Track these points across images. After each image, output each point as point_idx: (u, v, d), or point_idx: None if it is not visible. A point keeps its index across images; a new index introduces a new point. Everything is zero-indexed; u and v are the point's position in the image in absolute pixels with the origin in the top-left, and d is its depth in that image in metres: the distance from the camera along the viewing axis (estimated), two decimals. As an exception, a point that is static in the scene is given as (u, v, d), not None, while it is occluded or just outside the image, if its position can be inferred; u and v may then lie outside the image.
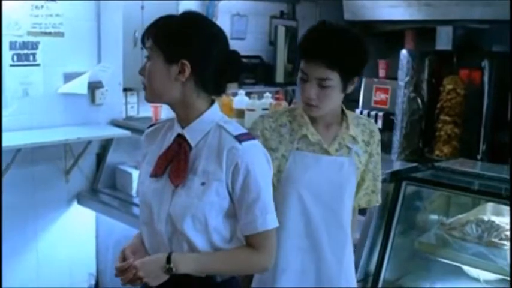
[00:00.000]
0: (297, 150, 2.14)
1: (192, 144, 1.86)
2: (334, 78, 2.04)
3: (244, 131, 1.90)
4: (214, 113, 1.90)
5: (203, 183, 1.82)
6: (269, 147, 2.12)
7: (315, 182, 2.13)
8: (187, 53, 1.81)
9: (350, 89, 2.11)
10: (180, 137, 1.88)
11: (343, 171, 2.16)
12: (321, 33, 2.09)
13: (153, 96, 1.88)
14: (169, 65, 1.81)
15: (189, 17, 1.88)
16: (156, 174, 1.89)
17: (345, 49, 2.04)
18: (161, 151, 1.92)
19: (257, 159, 1.84)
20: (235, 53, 1.91)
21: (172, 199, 1.85)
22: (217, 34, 1.88)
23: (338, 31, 2.08)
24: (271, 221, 1.85)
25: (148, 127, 2.06)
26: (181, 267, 1.79)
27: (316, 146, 2.15)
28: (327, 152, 2.15)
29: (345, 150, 2.17)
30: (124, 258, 1.87)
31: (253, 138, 1.89)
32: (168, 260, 1.78)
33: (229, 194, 1.84)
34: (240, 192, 1.82)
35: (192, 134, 1.87)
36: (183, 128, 1.88)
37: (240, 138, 1.83)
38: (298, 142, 2.15)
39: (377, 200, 2.34)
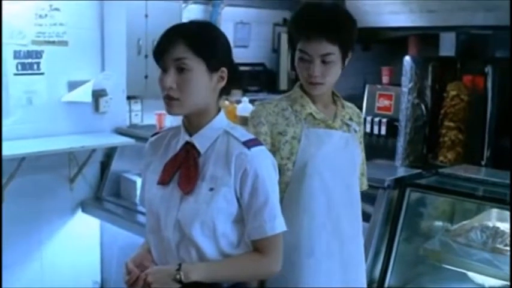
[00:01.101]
0: (308, 129, 2.16)
1: (201, 151, 1.87)
2: (335, 53, 2.09)
3: (252, 136, 1.92)
4: (222, 119, 1.92)
5: (211, 189, 1.83)
6: (277, 131, 2.15)
7: (330, 156, 2.15)
8: (226, 60, 1.85)
9: (346, 62, 2.17)
10: (188, 144, 1.89)
11: (350, 146, 2.21)
12: (315, 12, 2.14)
13: (189, 107, 1.84)
14: (211, 74, 1.83)
15: (210, 25, 1.92)
16: (163, 181, 1.90)
17: (341, 22, 2.11)
18: (167, 159, 1.92)
19: (265, 165, 1.86)
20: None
21: (180, 205, 1.85)
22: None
23: (330, 7, 2.14)
24: (279, 225, 1.86)
25: (152, 135, 2.06)
26: (191, 276, 1.79)
27: (321, 123, 2.18)
28: (332, 128, 2.19)
29: (346, 127, 2.23)
30: (129, 272, 1.87)
31: (261, 144, 1.91)
32: (178, 269, 1.79)
33: (237, 200, 1.85)
34: (248, 197, 1.83)
35: (201, 141, 1.88)
36: (190, 135, 1.89)
37: (248, 144, 1.84)
38: (305, 122, 2.17)
39: (366, 183, 2.40)
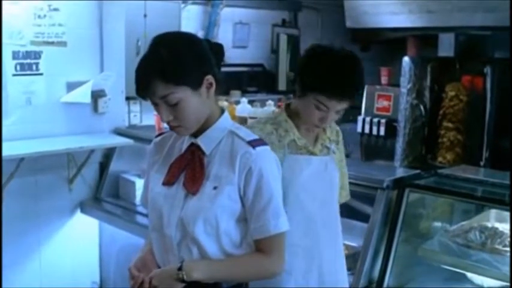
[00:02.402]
0: (290, 155, 2.23)
1: (207, 152, 1.88)
2: (348, 105, 2.22)
3: (256, 136, 1.92)
4: (226, 120, 1.93)
5: (215, 187, 1.84)
6: None
7: (309, 181, 2.24)
8: (207, 69, 1.83)
9: None
10: (193, 145, 1.90)
11: (328, 168, 2.31)
12: (338, 70, 2.15)
13: (194, 126, 1.86)
14: (198, 90, 1.82)
15: (181, 40, 1.87)
16: (169, 182, 1.91)
17: (361, 80, 2.21)
18: (172, 159, 1.93)
19: (269, 164, 1.87)
20: None
21: (184, 204, 1.86)
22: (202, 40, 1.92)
23: (349, 62, 2.18)
24: (283, 224, 1.87)
25: (156, 136, 2.07)
26: (193, 274, 1.79)
27: (303, 149, 2.27)
28: (313, 154, 2.28)
29: (326, 150, 2.34)
30: (133, 276, 1.87)
31: (265, 143, 1.92)
32: (180, 268, 1.79)
33: (241, 199, 1.85)
34: (252, 197, 1.84)
35: (206, 142, 1.89)
36: (195, 136, 1.90)
37: (253, 144, 1.86)
38: (288, 147, 2.24)
39: (346, 195, 2.49)
